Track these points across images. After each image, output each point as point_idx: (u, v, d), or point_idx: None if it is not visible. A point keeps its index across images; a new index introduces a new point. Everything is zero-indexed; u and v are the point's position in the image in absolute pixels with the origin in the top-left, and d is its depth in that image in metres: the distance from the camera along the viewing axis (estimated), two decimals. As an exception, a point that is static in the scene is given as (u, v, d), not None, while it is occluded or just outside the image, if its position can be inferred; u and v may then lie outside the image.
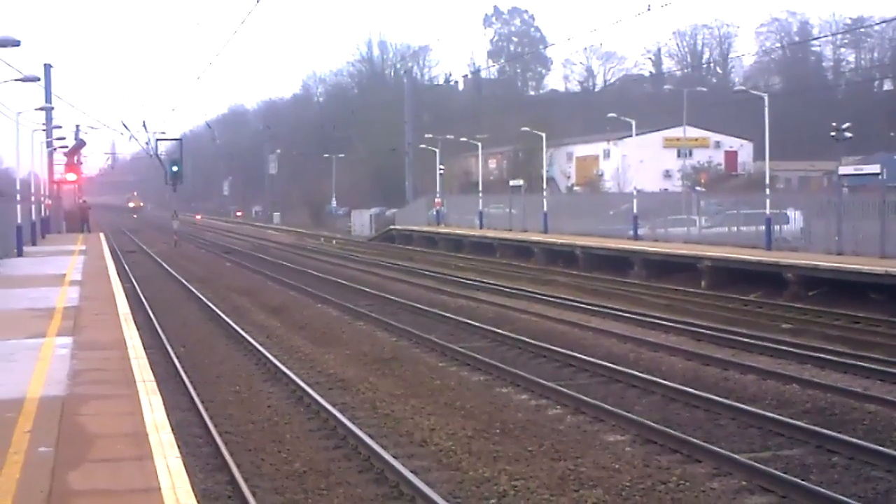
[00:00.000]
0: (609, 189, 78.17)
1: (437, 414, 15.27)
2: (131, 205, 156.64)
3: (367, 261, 48.24)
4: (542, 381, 17.25)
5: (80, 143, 75.10)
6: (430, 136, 71.63)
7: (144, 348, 15.90)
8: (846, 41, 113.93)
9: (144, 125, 73.34)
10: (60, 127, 66.43)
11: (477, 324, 24.44)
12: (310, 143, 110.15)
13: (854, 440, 12.86)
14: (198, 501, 8.70)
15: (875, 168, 63.06)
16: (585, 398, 15.71)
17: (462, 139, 70.77)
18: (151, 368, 13.96)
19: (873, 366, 18.15)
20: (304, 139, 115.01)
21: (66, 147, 71.82)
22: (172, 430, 10.47)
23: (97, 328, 18.07)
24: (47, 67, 66.36)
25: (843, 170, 65.73)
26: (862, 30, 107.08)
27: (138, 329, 18.37)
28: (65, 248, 46.64)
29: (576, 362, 19.35)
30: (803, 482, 11.22)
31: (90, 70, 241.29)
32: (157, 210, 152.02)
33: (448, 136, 71.74)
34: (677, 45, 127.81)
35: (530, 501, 11.10)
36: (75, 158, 73.70)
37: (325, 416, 15.04)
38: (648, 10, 40.77)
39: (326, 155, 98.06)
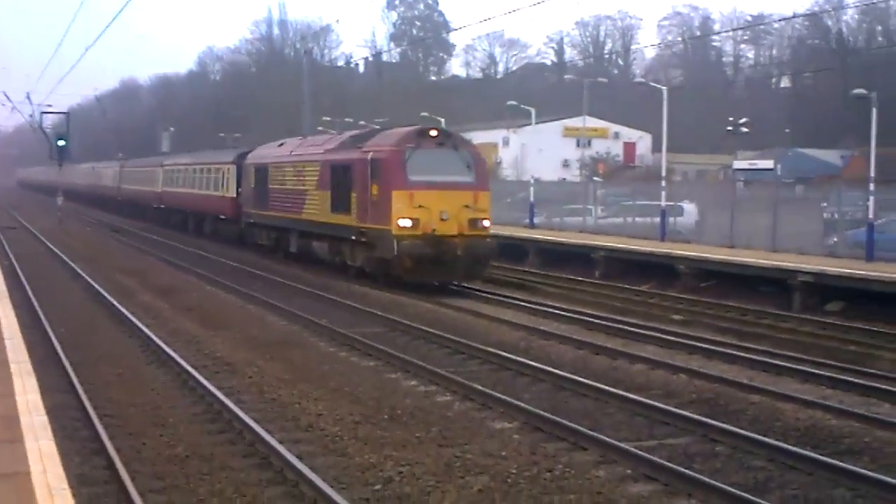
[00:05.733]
0: (507, 177, 78.52)
1: (324, 399, 15.07)
2: None
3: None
4: (431, 367, 17.15)
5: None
6: (329, 118, 71.22)
7: (21, 328, 15.39)
8: (746, 37, 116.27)
9: (28, 97, 71.12)
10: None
11: (370, 309, 24.25)
12: (205, 122, 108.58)
13: (738, 430, 12.99)
14: (71, 486, 8.41)
15: (769, 163, 64.51)
16: (474, 385, 15.64)
17: (361, 122, 70.49)
18: (28, 349, 13.50)
19: (759, 357, 18.41)
20: (199, 117, 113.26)
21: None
22: (47, 412, 10.12)
23: (-27, 306, 17.47)
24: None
25: (737, 164, 67.12)
26: (762, 27, 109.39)
27: (15, 309, 17.80)
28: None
29: (467, 350, 19.28)
30: (686, 470, 11.29)
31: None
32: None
33: (347, 119, 71.39)
34: (580, 35, 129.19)
35: (416, 487, 10.97)
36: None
37: (211, 399, 14.75)
38: (552, -3, 40.97)
39: (222, 134, 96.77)
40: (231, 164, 43.20)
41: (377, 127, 40.62)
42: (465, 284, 28.08)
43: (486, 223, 27.54)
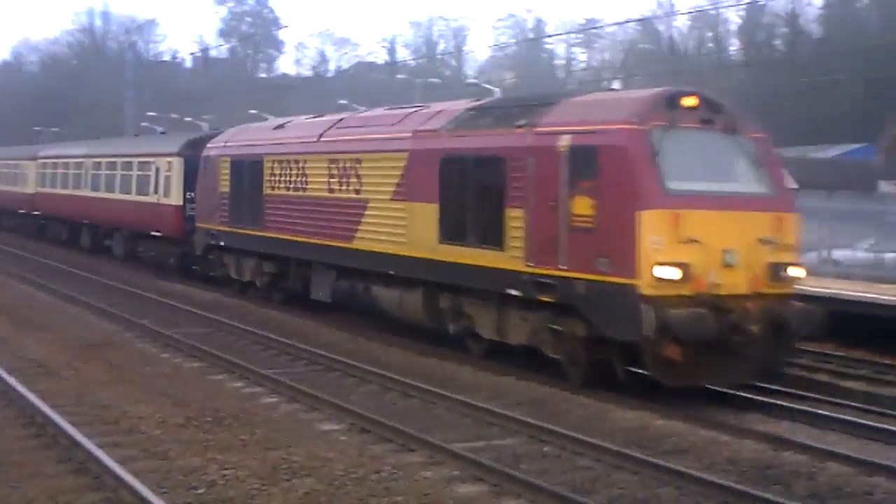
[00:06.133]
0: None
1: (146, 401, 14.60)
2: None
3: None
4: (257, 369, 16.90)
5: None
6: (154, 114, 69.55)
7: None
8: (579, 41, 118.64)
9: None
10: None
11: (192, 309, 23.76)
12: (20, 116, 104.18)
13: (565, 431, 13.09)
14: None
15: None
16: (301, 387, 15.44)
17: (187, 119, 68.99)
18: None
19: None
20: (12, 110, 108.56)
21: None
22: None
23: None
24: None
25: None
26: (594, 31, 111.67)
27: None
28: None
29: (293, 350, 19.06)
30: (514, 471, 11.32)
31: None
32: None
33: (173, 116, 69.79)
34: (413, 34, 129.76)
35: (240, 491, 10.68)
36: None
37: (24, 403, 14.12)
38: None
39: (38, 128, 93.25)
40: (174, 156, 31.04)
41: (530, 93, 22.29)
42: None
43: (798, 271, 15.33)
